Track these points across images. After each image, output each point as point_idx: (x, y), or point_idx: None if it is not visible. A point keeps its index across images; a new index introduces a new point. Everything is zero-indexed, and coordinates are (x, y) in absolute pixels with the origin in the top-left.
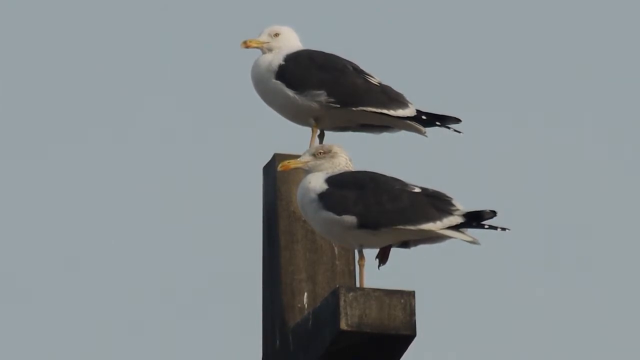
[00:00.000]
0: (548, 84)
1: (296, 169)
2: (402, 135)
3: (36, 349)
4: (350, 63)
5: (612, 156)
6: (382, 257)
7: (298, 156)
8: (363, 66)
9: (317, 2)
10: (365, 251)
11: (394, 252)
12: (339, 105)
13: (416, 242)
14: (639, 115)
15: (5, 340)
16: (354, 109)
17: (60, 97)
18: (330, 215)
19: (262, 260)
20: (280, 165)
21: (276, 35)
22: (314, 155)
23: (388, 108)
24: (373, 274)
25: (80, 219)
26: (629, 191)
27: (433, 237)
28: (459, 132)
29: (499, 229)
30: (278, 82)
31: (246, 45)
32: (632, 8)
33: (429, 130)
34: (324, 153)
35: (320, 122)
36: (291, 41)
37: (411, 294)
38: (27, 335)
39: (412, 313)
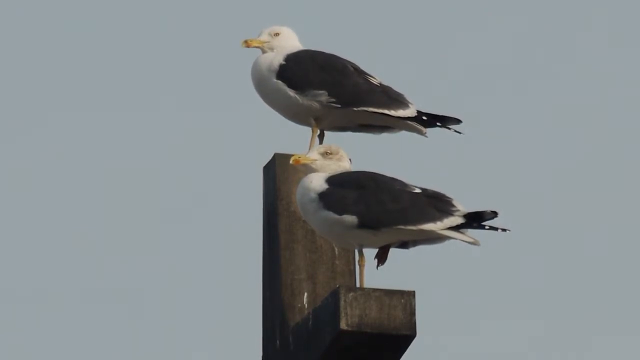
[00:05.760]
0: (547, 85)
1: (304, 165)
2: (402, 136)
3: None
4: (351, 63)
5: (613, 156)
6: (381, 258)
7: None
8: (363, 67)
9: (317, 2)
10: (365, 251)
11: (394, 252)
12: (340, 106)
13: (415, 243)
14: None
15: None
16: (355, 109)
17: (60, 97)
18: (331, 214)
19: (262, 260)
20: (292, 159)
21: (276, 34)
22: (322, 155)
23: (389, 108)
24: (373, 274)
25: (79, 218)
26: (629, 191)
27: (433, 238)
28: (460, 132)
29: (499, 230)
30: (279, 81)
31: (247, 44)
32: None
33: (429, 130)
34: (332, 154)
35: (321, 122)
36: (291, 41)
37: (411, 294)
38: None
39: (412, 313)
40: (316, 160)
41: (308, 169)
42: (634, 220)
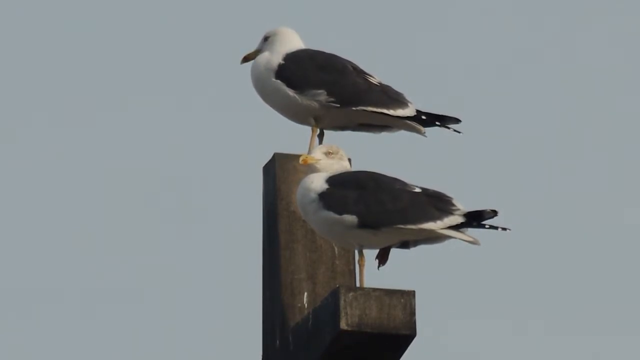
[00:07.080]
0: (548, 84)
1: (309, 165)
2: (402, 135)
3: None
4: (350, 63)
5: (613, 155)
6: (382, 258)
7: (299, 156)
8: (362, 66)
9: (317, 2)
10: (365, 251)
11: (394, 252)
12: (339, 105)
13: (416, 243)
14: (635, 115)
15: None
16: (354, 108)
17: (60, 97)
18: (331, 214)
19: (262, 260)
20: (300, 159)
21: (266, 39)
22: (325, 154)
23: (388, 108)
24: (373, 274)
25: (79, 218)
26: (629, 190)
27: (433, 237)
28: (459, 132)
29: (499, 229)
30: (278, 81)
31: (246, 60)
32: None
33: (428, 130)
34: (334, 154)
35: (320, 122)
36: (286, 41)
37: (411, 294)
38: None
39: (412, 313)
40: (320, 160)
41: (310, 169)
42: (634, 220)
